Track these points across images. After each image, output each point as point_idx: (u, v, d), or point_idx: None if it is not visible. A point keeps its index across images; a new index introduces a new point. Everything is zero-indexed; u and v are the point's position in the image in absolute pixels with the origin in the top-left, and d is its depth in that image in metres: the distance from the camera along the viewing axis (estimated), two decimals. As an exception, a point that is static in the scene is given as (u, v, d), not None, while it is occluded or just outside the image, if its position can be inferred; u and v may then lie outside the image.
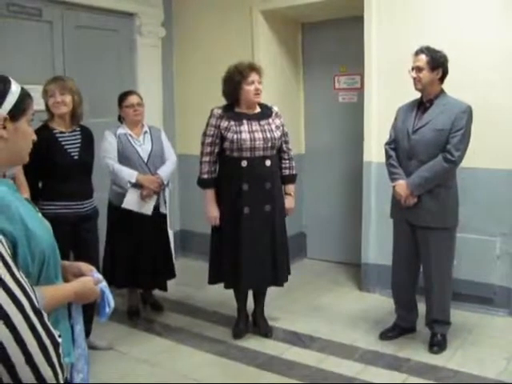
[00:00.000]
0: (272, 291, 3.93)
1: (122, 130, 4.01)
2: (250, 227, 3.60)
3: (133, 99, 3.99)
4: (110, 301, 1.72)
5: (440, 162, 3.30)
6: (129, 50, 5.22)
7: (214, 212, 3.67)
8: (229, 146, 3.58)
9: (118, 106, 4.06)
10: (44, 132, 3.32)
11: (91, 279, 1.64)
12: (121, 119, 4.09)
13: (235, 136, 3.54)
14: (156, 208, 4.00)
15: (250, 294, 3.93)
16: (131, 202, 3.85)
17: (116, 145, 3.93)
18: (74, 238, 3.42)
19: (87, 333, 3.58)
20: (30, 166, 3.27)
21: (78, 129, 3.49)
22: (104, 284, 1.70)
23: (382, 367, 3.37)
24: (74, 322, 1.65)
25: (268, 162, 3.63)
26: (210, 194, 3.69)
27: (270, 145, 3.61)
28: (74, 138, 3.44)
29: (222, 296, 4.13)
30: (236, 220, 3.60)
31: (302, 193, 5.56)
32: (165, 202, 4.11)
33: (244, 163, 3.57)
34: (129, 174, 3.85)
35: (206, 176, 3.67)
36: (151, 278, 4.10)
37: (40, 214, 1.62)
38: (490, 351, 3.52)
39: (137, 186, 3.84)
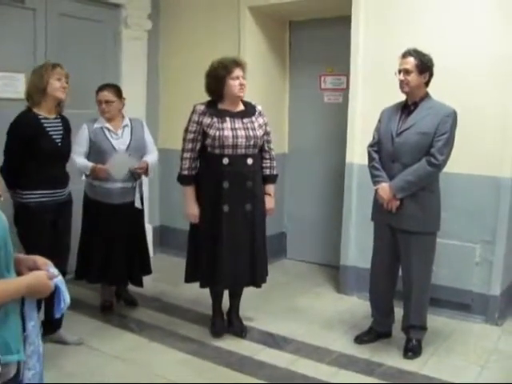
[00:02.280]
0: (249, 291, 3.87)
1: (99, 123, 3.95)
2: (230, 226, 3.54)
3: (102, 96, 3.93)
4: (66, 296, 1.66)
5: (424, 165, 3.26)
6: (113, 41, 5.16)
7: (193, 210, 3.61)
8: (211, 143, 3.52)
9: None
10: (29, 116, 3.30)
11: (45, 273, 1.58)
12: None
13: (217, 133, 3.48)
14: (131, 202, 3.95)
15: (226, 292, 3.86)
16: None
17: (87, 138, 3.89)
18: (52, 227, 3.39)
19: (57, 326, 3.53)
20: (12, 150, 3.27)
21: (59, 116, 3.46)
22: (59, 279, 1.64)
23: (354, 371, 3.33)
24: (27, 318, 1.59)
25: (250, 161, 3.58)
26: (189, 191, 3.63)
27: (252, 143, 3.56)
28: (57, 124, 3.41)
29: (198, 294, 4.06)
30: (215, 218, 3.54)
31: (283, 192, 5.53)
32: (141, 197, 4.05)
33: (225, 160, 3.51)
34: (84, 167, 3.85)
35: (186, 172, 3.61)
36: (125, 273, 4.04)
37: None
38: (464, 358, 3.50)
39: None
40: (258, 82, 5.10)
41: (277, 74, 5.39)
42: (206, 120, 3.53)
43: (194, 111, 3.59)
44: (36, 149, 3.27)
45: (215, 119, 3.52)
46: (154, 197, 5.72)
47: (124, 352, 3.53)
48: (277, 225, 5.49)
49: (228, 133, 3.49)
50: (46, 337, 3.47)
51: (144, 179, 4.24)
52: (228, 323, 3.88)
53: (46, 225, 3.34)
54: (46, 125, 3.34)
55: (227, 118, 3.54)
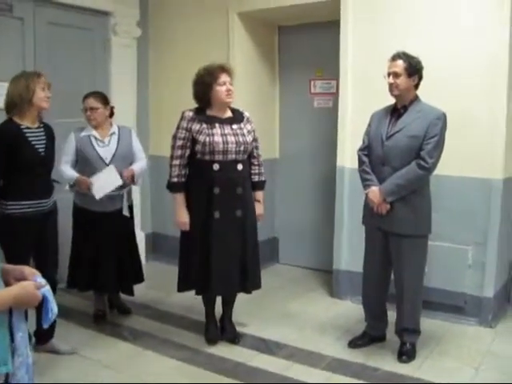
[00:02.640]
0: (242, 297, 3.85)
1: (86, 131, 3.94)
2: (221, 232, 3.53)
3: (87, 103, 3.92)
4: (53, 306, 1.64)
5: (414, 168, 3.26)
6: (103, 49, 5.14)
7: (183, 217, 3.59)
8: (200, 149, 3.50)
9: None
10: (11, 127, 3.24)
11: (32, 283, 1.57)
12: None
13: (207, 138, 3.47)
14: (120, 210, 3.95)
15: (219, 299, 3.85)
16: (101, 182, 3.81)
17: (74, 147, 3.88)
18: (37, 236, 3.34)
19: (50, 336, 3.50)
20: None
21: (42, 125, 3.40)
22: (47, 289, 1.62)
23: (348, 376, 3.31)
24: (15, 329, 1.57)
25: (240, 167, 3.57)
26: (179, 198, 3.61)
27: (242, 149, 3.55)
28: (39, 134, 3.34)
29: (191, 301, 4.04)
30: (206, 225, 3.53)
31: (275, 197, 5.53)
32: (130, 205, 4.05)
33: (216, 166, 3.50)
34: (69, 177, 3.84)
35: (175, 180, 3.58)
36: (115, 281, 4.01)
37: None
38: (458, 361, 3.49)
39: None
40: (247, 87, 5.12)
41: (266, 79, 5.40)
42: (195, 126, 3.51)
43: (182, 117, 3.57)
44: (19, 159, 3.21)
45: (204, 125, 3.51)
46: (146, 204, 5.71)
47: (118, 361, 3.50)
48: (268, 230, 5.49)
49: (218, 138, 3.48)
50: (39, 347, 3.46)
51: (136, 186, 4.23)
52: (221, 330, 3.86)
53: (30, 236, 3.29)
54: (28, 135, 3.26)
55: (216, 124, 3.53)
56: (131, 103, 5.39)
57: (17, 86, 3.22)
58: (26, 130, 3.27)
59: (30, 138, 3.28)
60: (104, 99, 3.98)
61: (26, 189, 3.25)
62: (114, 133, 3.99)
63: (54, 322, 3.42)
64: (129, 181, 3.94)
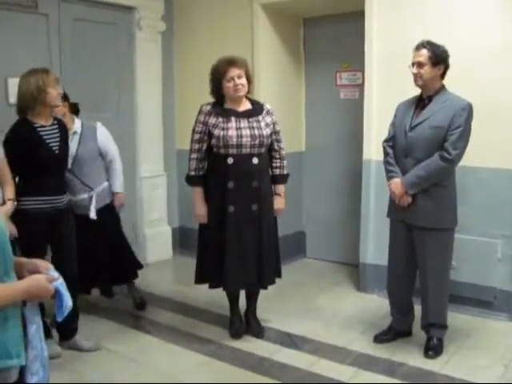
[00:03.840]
0: (267, 291, 3.80)
1: None
2: (235, 226, 3.51)
3: None
4: (66, 299, 1.64)
5: (436, 160, 3.18)
6: (127, 44, 5.17)
7: (201, 210, 3.60)
8: (215, 143, 3.50)
9: None
10: (25, 126, 3.25)
11: (44, 276, 1.57)
12: None
13: (221, 132, 3.46)
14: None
15: (242, 293, 3.83)
16: None
17: None
18: (52, 233, 3.36)
19: (73, 332, 3.52)
20: (9, 159, 3.23)
21: (56, 122, 3.39)
22: (60, 282, 1.62)
23: (374, 372, 3.26)
24: (28, 321, 1.58)
25: (255, 160, 3.53)
26: (197, 191, 3.62)
27: (257, 142, 3.51)
28: (53, 131, 3.34)
29: (216, 295, 4.01)
30: (221, 219, 3.52)
31: (302, 191, 5.49)
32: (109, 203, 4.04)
33: (230, 160, 3.48)
34: None
35: (193, 173, 3.60)
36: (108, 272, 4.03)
37: None
38: (487, 357, 3.40)
39: None
40: (272, 80, 5.09)
41: (292, 72, 5.34)
42: (212, 120, 3.51)
43: (200, 111, 3.58)
44: (34, 159, 3.22)
45: (220, 119, 3.50)
46: (173, 198, 5.73)
47: (140, 354, 3.52)
48: (296, 224, 5.45)
49: (232, 132, 3.46)
50: (63, 343, 3.49)
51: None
52: (246, 324, 3.84)
53: (45, 231, 3.30)
54: (42, 133, 3.26)
55: (232, 118, 3.51)
56: (156, 97, 5.40)
57: (27, 86, 3.17)
58: (40, 129, 3.27)
59: (45, 137, 3.28)
60: (64, 96, 3.73)
61: (41, 186, 3.27)
62: (75, 132, 3.79)
63: (77, 317, 3.50)
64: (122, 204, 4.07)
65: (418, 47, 3.26)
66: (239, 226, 3.51)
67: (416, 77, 3.26)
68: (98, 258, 3.95)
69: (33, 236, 3.22)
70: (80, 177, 3.79)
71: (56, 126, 3.37)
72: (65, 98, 3.74)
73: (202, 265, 3.69)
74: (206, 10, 5.29)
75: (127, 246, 4.25)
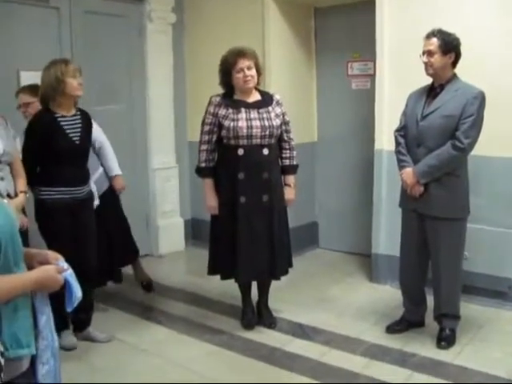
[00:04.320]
0: (279, 282, 3.83)
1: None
2: (247, 217, 3.52)
3: (20, 98, 3.74)
4: (76, 290, 1.65)
5: (448, 149, 3.16)
6: (138, 36, 5.17)
7: (212, 201, 3.61)
8: (226, 134, 3.50)
9: None
10: (46, 116, 3.28)
11: (53, 267, 1.58)
12: None
13: (232, 124, 3.47)
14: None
15: (254, 284, 3.84)
16: None
17: None
18: (73, 224, 3.37)
19: (86, 323, 3.56)
20: (29, 149, 3.29)
21: (79, 113, 3.41)
22: (69, 273, 1.63)
23: (386, 362, 3.26)
24: (39, 312, 1.59)
25: (266, 151, 3.54)
26: (208, 183, 3.63)
27: (267, 133, 3.52)
28: (75, 122, 3.36)
29: (228, 286, 4.02)
30: (232, 209, 3.53)
31: (314, 182, 5.48)
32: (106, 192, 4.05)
33: (240, 151, 3.49)
34: None
35: (203, 165, 3.61)
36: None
37: (4, 201, 1.56)
38: (501, 348, 3.38)
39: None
40: (283, 70, 5.07)
41: (303, 62, 5.32)
42: (222, 111, 3.51)
43: (210, 103, 3.58)
44: (53, 148, 3.25)
45: (230, 110, 3.50)
46: (185, 190, 5.74)
47: (153, 345, 3.54)
48: (308, 214, 5.45)
49: (242, 123, 3.46)
50: (76, 334, 3.53)
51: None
52: (258, 314, 3.85)
53: (64, 221, 3.31)
54: (62, 123, 3.28)
55: (242, 109, 3.52)
56: (168, 89, 5.41)
57: (48, 77, 3.22)
58: (60, 119, 3.29)
59: (65, 127, 3.30)
60: (36, 92, 3.53)
61: (59, 176, 3.29)
62: None
63: (91, 309, 3.53)
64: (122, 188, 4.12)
65: (429, 36, 3.24)
66: (250, 217, 3.52)
67: (427, 66, 3.24)
68: (107, 244, 3.98)
69: (55, 227, 3.25)
70: None
71: (78, 117, 3.39)
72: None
73: (214, 256, 3.71)
74: (217, 1, 5.28)
75: (129, 228, 4.29)
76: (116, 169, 4.07)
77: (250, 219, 3.52)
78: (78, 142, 3.34)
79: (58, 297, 1.69)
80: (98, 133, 3.94)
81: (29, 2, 4.32)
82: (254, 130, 3.47)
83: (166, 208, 5.51)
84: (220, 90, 3.67)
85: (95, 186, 3.83)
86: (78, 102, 3.43)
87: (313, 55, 5.40)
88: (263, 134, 3.50)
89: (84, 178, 3.45)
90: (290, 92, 4.98)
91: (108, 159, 4.03)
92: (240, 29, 5.09)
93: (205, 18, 5.39)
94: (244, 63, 3.46)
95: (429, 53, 3.20)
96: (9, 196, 3.10)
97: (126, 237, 4.24)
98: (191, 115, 5.62)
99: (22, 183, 3.17)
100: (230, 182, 3.52)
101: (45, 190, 3.28)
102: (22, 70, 4.21)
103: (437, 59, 3.18)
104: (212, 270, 3.75)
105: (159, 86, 5.29)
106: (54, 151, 3.27)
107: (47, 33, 4.46)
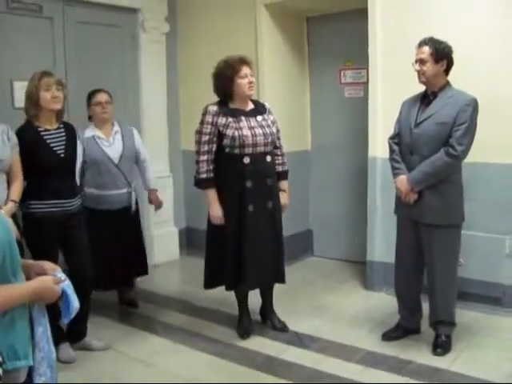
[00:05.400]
0: (275, 289, 3.85)
1: (89, 132, 3.90)
2: (255, 224, 3.53)
3: (101, 97, 3.90)
4: (73, 301, 1.64)
5: (442, 156, 3.17)
6: (132, 46, 5.18)
7: (218, 211, 3.56)
8: (229, 143, 3.48)
9: (87, 105, 3.96)
10: (28, 130, 3.25)
11: (50, 278, 1.58)
12: (90, 118, 3.99)
13: (236, 132, 3.45)
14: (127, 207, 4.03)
15: (251, 292, 3.83)
16: None
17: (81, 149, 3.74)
18: (62, 237, 3.35)
19: (82, 334, 3.54)
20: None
21: (62, 125, 3.39)
22: (67, 283, 1.63)
23: (382, 369, 3.25)
24: (35, 323, 1.59)
25: (268, 158, 3.59)
26: (211, 193, 3.57)
27: (269, 140, 3.56)
28: (59, 135, 3.33)
29: (224, 295, 4.00)
30: (240, 218, 3.52)
31: (308, 190, 5.49)
32: (136, 203, 4.12)
33: (246, 160, 3.49)
34: None
35: (204, 176, 3.55)
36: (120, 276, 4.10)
37: (1, 211, 1.55)
38: (496, 354, 3.39)
39: None
40: (277, 79, 5.10)
41: (296, 71, 5.34)
42: (221, 120, 3.49)
43: (206, 112, 3.54)
44: (37, 162, 3.22)
45: (230, 119, 3.49)
46: (179, 199, 5.74)
47: (149, 355, 3.52)
48: (303, 222, 5.46)
49: (247, 132, 3.47)
50: (73, 344, 3.51)
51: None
52: (262, 321, 3.90)
53: (54, 235, 3.29)
54: (46, 137, 3.26)
55: (242, 117, 3.52)
56: (161, 99, 5.42)
57: (27, 91, 3.24)
58: (43, 133, 3.27)
59: (49, 141, 3.27)
60: (111, 96, 3.99)
61: (48, 189, 3.26)
62: (117, 131, 4.00)
63: (86, 319, 3.51)
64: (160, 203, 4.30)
65: (420, 44, 3.27)
66: (258, 224, 3.53)
67: (419, 74, 3.27)
68: (122, 253, 4.01)
69: (42, 240, 3.23)
70: (124, 172, 3.95)
71: (62, 130, 3.36)
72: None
73: (213, 269, 3.68)
74: (210, 11, 5.31)
75: (144, 242, 4.37)
76: (154, 183, 4.24)
77: (257, 226, 3.53)
78: (62, 156, 3.31)
79: (54, 309, 1.68)
80: (142, 146, 4.14)
81: (22, 12, 4.32)
82: (258, 138, 3.49)
83: (161, 217, 5.49)
84: (213, 99, 3.65)
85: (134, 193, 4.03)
86: (62, 116, 3.41)
87: (306, 63, 5.43)
88: (266, 141, 3.52)
89: (72, 191, 3.40)
90: (283, 100, 5.01)
91: (150, 172, 4.20)
92: (233, 38, 5.11)
93: (198, 27, 5.42)
94: (247, 70, 3.50)
95: (421, 61, 3.23)
96: (-1, 206, 3.07)
97: (141, 249, 4.27)
98: (185, 124, 5.63)
99: (14, 192, 3.14)
100: (237, 191, 3.51)
101: (34, 204, 3.25)
102: (15, 80, 4.21)
103: (429, 67, 3.20)
104: (209, 284, 3.74)
105: (153, 96, 5.30)
106: (38, 165, 3.24)
107: (40, 43, 4.46)
